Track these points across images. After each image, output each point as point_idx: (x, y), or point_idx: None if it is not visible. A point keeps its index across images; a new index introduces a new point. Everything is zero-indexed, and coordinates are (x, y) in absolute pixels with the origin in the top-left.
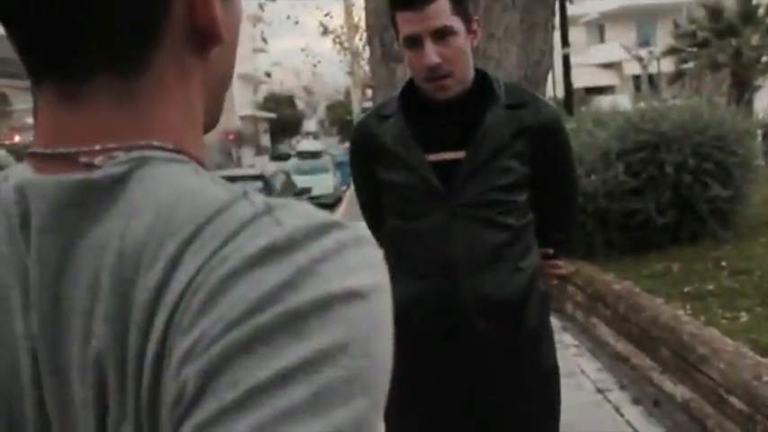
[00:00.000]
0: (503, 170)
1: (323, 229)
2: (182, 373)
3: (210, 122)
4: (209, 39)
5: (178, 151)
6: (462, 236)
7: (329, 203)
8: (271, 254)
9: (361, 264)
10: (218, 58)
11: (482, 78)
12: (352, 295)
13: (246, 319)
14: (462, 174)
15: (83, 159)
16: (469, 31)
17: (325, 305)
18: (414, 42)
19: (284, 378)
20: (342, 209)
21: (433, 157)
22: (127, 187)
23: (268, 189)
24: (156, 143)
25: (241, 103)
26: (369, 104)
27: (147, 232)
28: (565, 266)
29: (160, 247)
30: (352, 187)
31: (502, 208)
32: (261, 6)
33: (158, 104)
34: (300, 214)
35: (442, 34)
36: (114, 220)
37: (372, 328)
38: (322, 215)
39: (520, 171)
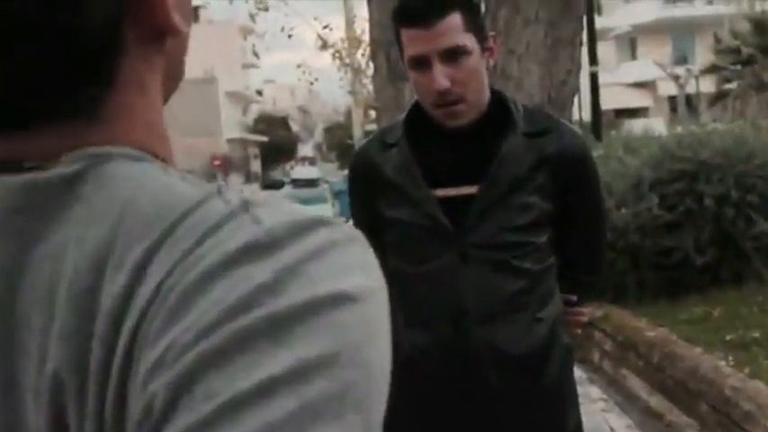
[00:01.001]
0: (521, 207)
1: (308, 227)
2: (150, 386)
3: (166, 94)
4: (163, 32)
5: (142, 150)
6: (474, 282)
7: None
8: (250, 253)
9: (351, 264)
10: (174, 44)
11: (498, 102)
12: (341, 298)
13: (223, 325)
14: (475, 211)
15: (28, 164)
16: (484, 49)
17: (311, 309)
18: (420, 63)
19: (266, 390)
20: None
21: (441, 193)
22: (83, 187)
23: None
24: (115, 147)
25: (229, 125)
26: (372, 127)
27: (110, 236)
28: (589, 313)
29: (126, 252)
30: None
31: (519, 250)
32: (252, 17)
33: (122, 113)
34: (282, 211)
35: (452, 55)
36: (70, 224)
37: (365, 335)
38: (306, 212)
39: (541, 207)
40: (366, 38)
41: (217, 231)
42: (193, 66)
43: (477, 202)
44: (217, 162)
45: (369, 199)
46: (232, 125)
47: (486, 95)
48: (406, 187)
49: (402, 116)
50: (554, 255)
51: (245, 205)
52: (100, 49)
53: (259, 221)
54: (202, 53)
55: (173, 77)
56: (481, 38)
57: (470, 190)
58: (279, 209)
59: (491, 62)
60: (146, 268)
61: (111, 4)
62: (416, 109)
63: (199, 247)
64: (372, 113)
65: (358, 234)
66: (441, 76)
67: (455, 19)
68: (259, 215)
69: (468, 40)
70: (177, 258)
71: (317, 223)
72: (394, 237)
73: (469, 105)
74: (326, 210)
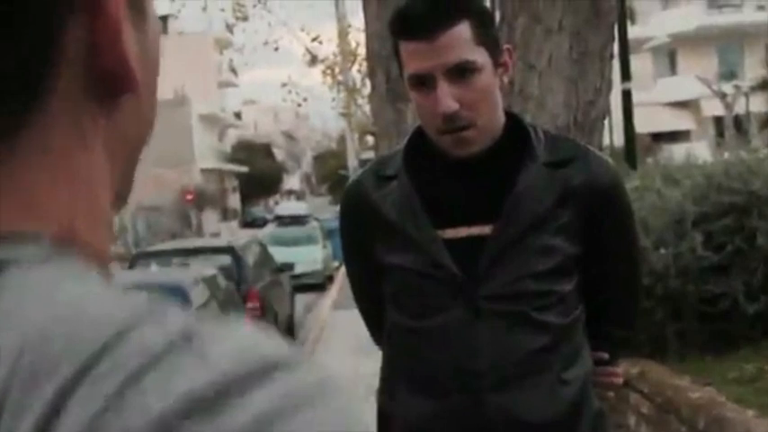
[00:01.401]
0: (542, 250)
1: (265, 373)
2: None
3: (121, 193)
4: (117, 84)
5: (63, 240)
6: (488, 339)
7: (317, 284)
8: (190, 409)
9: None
10: (130, 107)
11: (515, 127)
12: None
13: None
14: (488, 255)
15: None
16: (498, 64)
17: None
18: (423, 82)
19: None
20: (333, 291)
21: (448, 234)
22: None
23: (238, 265)
24: (28, 231)
25: (203, 153)
26: (369, 155)
27: (9, 372)
28: (624, 372)
29: (30, 392)
30: None
31: (541, 301)
32: (229, 28)
33: (40, 174)
34: (233, 346)
35: (460, 72)
36: None
37: None
38: (264, 346)
39: (565, 250)
40: (362, 51)
41: (148, 373)
42: (162, 85)
43: (491, 244)
44: (189, 196)
45: (363, 242)
46: (206, 153)
47: (501, 119)
48: (407, 228)
49: (402, 144)
50: (581, 305)
51: (187, 334)
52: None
53: (205, 359)
54: (172, 70)
55: (127, 154)
56: (494, 51)
57: (483, 230)
58: (230, 339)
59: (506, 79)
60: (57, 416)
61: (25, 48)
62: (419, 135)
63: (122, 397)
64: (370, 139)
65: (332, 379)
66: (447, 98)
67: (463, 30)
68: (205, 350)
69: (479, 55)
70: (98, 409)
71: (274, 367)
72: (394, 286)
73: (481, 131)
74: (317, 252)
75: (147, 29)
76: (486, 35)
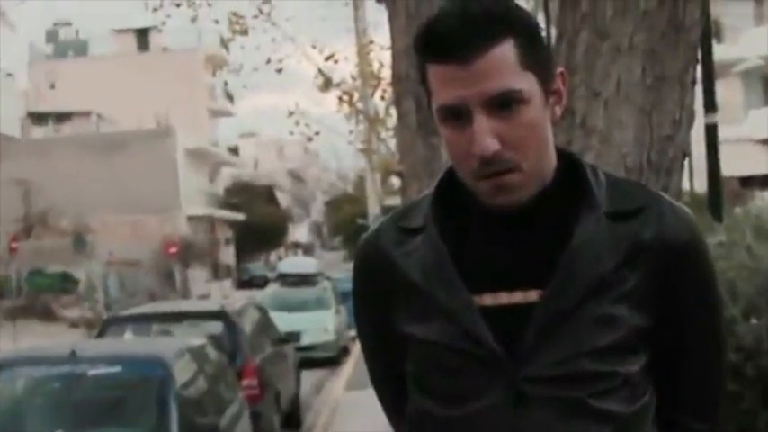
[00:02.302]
0: (603, 321)
1: None
2: None
3: None
4: None
5: None
6: (535, 430)
7: (328, 358)
8: None
9: None
10: None
11: (569, 169)
12: None
13: None
14: (535, 328)
15: None
16: (549, 92)
17: None
18: (456, 116)
19: None
20: (348, 367)
21: (487, 301)
22: None
23: (232, 333)
24: None
25: (190, 196)
26: (395, 201)
27: None
28: None
29: None
30: None
31: (600, 385)
32: (224, 43)
33: None
34: None
35: (502, 103)
36: None
37: None
38: None
39: (631, 322)
40: (386, 74)
41: None
42: (141, 113)
43: (539, 314)
44: (172, 249)
45: (381, 308)
46: (194, 197)
47: (552, 160)
48: (436, 292)
49: (430, 189)
50: (651, 390)
51: None
52: None
53: None
54: (153, 94)
55: None
56: (545, 77)
57: (528, 297)
58: None
59: (558, 111)
60: None
61: None
62: (451, 178)
63: None
64: (395, 181)
65: None
66: (485, 135)
67: (507, 51)
68: None
69: (526, 82)
70: None
71: None
72: (418, 364)
73: (527, 175)
74: (328, 319)
75: None
76: (536, 57)
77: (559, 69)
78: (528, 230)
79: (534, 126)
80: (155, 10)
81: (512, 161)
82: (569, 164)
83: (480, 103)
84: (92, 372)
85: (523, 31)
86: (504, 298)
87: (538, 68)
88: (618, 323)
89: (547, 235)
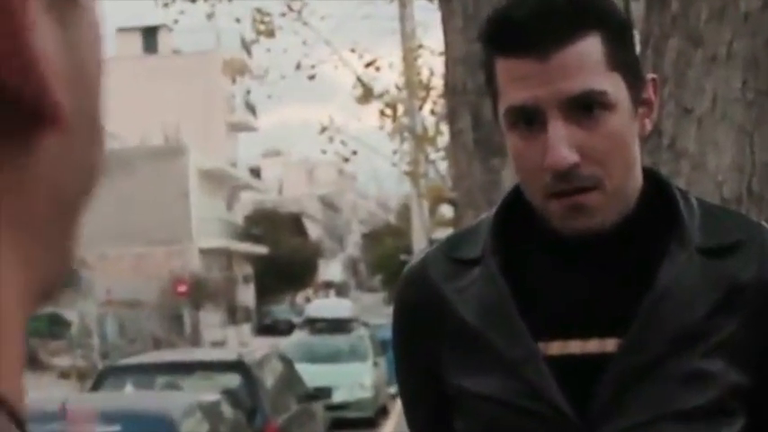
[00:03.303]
0: (691, 378)
1: None
2: None
3: (44, 285)
4: (27, 113)
5: None
6: None
7: (365, 418)
8: None
9: None
10: (53, 148)
11: (656, 193)
12: None
13: None
14: (611, 384)
15: None
16: (639, 100)
17: None
18: (528, 119)
19: None
20: (389, 429)
21: (555, 349)
22: None
23: (251, 388)
24: None
25: (204, 225)
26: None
27: None
28: None
29: None
30: None
31: None
32: (246, 45)
33: None
34: None
35: (584, 107)
36: None
37: None
38: None
39: (726, 379)
40: (438, 84)
41: None
42: (147, 126)
43: (617, 367)
44: (181, 288)
45: (427, 355)
46: (209, 226)
47: (638, 181)
48: (494, 338)
49: (489, 213)
50: None
51: None
52: None
53: None
54: (162, 105)
55: (52, 228)
56: (634, 81)
57: (604, 346)
58: None
59: (648, 124)
60: None
61: None
62: (514, 200)
63: None
64: (447, 211)
65: None
66: (561, 144)
67: (592, 46)
68: None
69: (612, 84)
70: None
71: None
72: (470, 423)
73: (609, 197)
74: (365, 373)
75: (81, 23)
76: (624, 57)
77: (650, 76)
78: (606, 264)
79: (620, 138)
80: (165, 5)
81: (593, 178)
82: (656, 187)
83: (557, 104)
84: None
85: (612, 24)
86: (575, 347)
87: (626, 70)
88: (710, 381)
89: (628, 271)
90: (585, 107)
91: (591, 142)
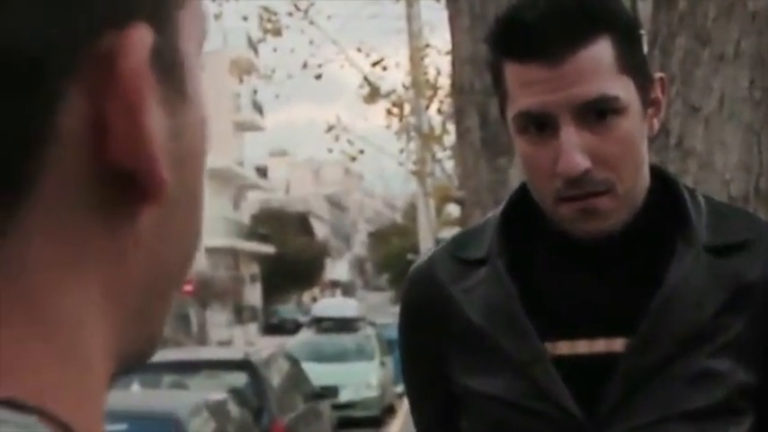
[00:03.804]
0: (699, 378)
1: None
2: None
3: (129, 354)
4: (133, 188)
5: (30, 410)
6: None
7: (371, 417)
8: None
9: None
10: (153, 222)
11: (663, 192)
12: None
13: None
14: (619, 384)
15: None
16: (647, 101)
17: None
18: (540, 125)
19: None
20: (395, 429)
21: (563, 350)
22: None
23: (257, 387)
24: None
25: (210, 225)
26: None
27: None
28: None
29: None
30: None
31: None
32: (253, 45)
33: (8, 319)
34: None
35: (597, 112)
36: None
37: None
38: None
39: (733, 379)
40: (445, 83)
41: None
42: None
43: (624, 367)
44: (188, 287)
45: (433, 354)
46: (215, 226)
47: (646, 181)
48: (500, 338)
49: (495, 212)
50: None
51: None
52: None
53: None
54: None
55: (148, 299)
56: (643, 83)
57: (612, 346)
58: None
59: (656, 124)
60: None
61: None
62: (522, 201)
63: None
64: (453, 210)
65: None
66: (575, 150)
67: (603, 50)
68: None
69: (623, 88)
70: None
71: None
72: (476, 423)
73: (620, 200)
74: (371, 372)
75: (188, 115)
76: (635, 59)
77: (658, 75)
78: (613, 264)
79: (631, 141)
80: None
81: (605, 182)
82: (663, 185)
83: (570, 110)
84: None
85: (622, 27)
86: (583, 347)
87: (636, 72)
88: (718, 380)
89: (635, 270)
90: (598, 113)
91: (603, 147)
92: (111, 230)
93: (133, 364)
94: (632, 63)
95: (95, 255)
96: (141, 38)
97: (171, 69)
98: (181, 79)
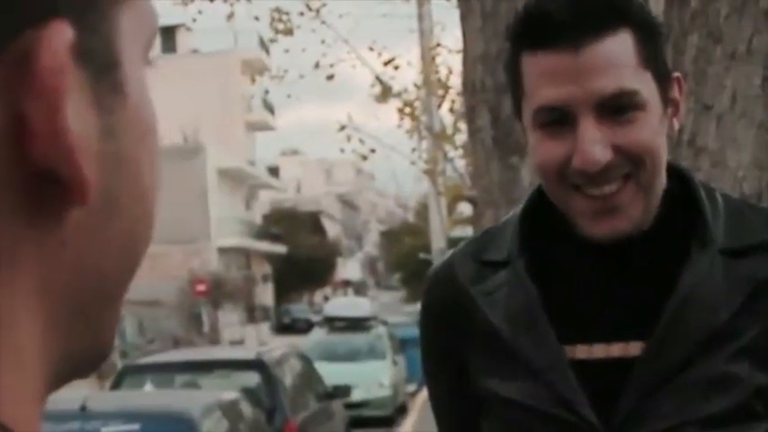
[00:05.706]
0: (716, 382)
1: None
2: None
3: (73, 360)
4: (61, 191)
5: None
6: None
7: (384, 417)
8: None
9: None
10: (84, 227)
11: (679, 190)
12: None
13: None
14: (636, 389)
15: None
16: (667, 100)
17: None
18: (558, 120)
19: None
20: (407, 427)
21: (581, 353)
22: None
23: (270, 386)
24: None
25: (222, 224)
26: (466, 233)
27: None
28: None
29: None
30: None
31: None
32: (264, 45)
33: None
34: None
35: (617, 108)
36: None
37: None
38: None
39: (751, 382)
40: (456, 83)
41: None
42: (166, 125)
43: (640, 371)
44: (200, 287)
45: (455, 357)
46: (227, 225)
47: (664, 181)
48: (520, 342)
49: (514, 213)
50: None
51: None
52: None
53: None
54: (181, 105)
55: (86, 300)
56: (663, 80)
57: (628, 350)
58: None
59: (676, 124)
60: None
61: None
62: (539, 201)
63: None
64: (465, 209)
65: None
66: (593, 145)
67: (624, 42)
68: None
69: (644, 83)
70: None
71: None
72: (495, 426)
73: (638, 199)
74: (384, 371)
75: (126, 114)
76: (655, 55)
77: (675, 74)
78: (630, 266)
79: (650, 138)
80: (184, 4)
81: (622, 180)
82: (680, 183)
83: (590, 105)
84: (105, 430)
85: (644, 23)
86: (600, 351)
87: (656, 70)
88: (735, 384)
89: (652, 273)
90: (619, 108)
91: (621, 143)
92: (37, 230)
93: (88, 366)
94: (653, 60)
95: (23, 255)
96: (60, 35)
97: (105, 68)
98: (117, 78)
